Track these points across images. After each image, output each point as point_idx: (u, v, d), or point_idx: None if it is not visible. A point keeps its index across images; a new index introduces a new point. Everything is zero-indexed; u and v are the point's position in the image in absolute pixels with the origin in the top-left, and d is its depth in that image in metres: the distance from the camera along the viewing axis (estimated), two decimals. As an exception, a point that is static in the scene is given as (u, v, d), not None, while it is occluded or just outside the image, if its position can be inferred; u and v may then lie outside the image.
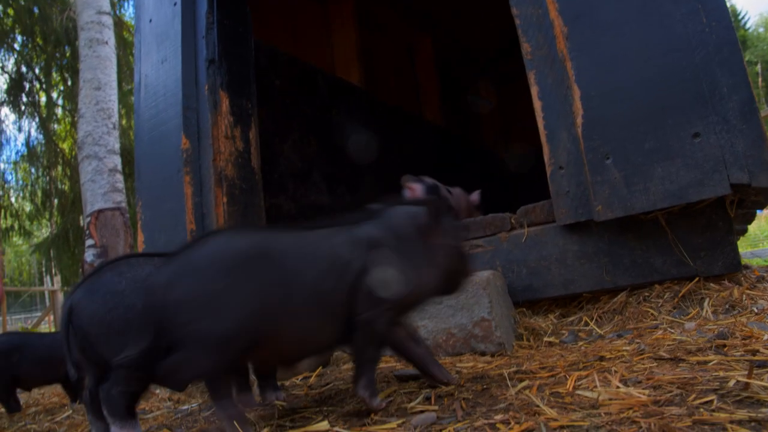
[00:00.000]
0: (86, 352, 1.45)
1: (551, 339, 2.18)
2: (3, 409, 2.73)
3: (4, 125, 11.42)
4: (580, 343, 2.04)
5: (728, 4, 2.17)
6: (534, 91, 2.48)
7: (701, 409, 1.04)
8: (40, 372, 2.67)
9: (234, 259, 1.32)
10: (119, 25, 10.36)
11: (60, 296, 12.59)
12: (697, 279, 2.22)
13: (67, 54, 10.71)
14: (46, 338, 2.82)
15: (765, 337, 1.60)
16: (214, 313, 1.26)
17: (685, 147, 2.09)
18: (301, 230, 1.48)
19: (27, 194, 12.72)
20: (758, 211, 3.30)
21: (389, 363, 2.11)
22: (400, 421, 1.25)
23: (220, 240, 1.39)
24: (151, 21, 3.61)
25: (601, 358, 1.63)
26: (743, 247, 7.67)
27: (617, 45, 2.24)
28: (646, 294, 2.30)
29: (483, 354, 2.03)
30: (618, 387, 1.24)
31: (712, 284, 2.23)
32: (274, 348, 1.38)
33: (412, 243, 1.50)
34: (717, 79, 2.06)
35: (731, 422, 0.96)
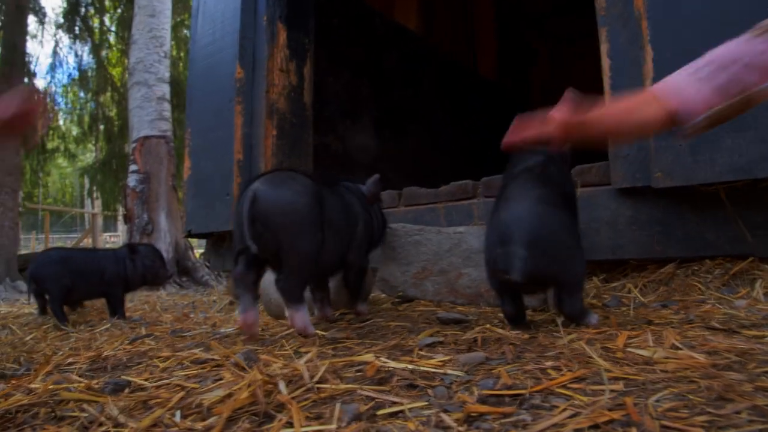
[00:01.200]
0: (262, 238, 1.66)
1: (593, 301, 2.14)
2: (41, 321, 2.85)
3: (58, 48, 11.55)
4: (624, 309, 2.00)
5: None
6: (604, 48, 2.38)
7: (763, 377, 1.01)
8: (86, 285, 2.79)
9: None
10: (176, -47, 10.27)
11: (100, 220, 12.97)
12: (751, 259, 2.15)
13: (122, -20, 10.72)
14: (90, 253, 2.96)
15: (823, 321, 1.55)
16: None
17: (760, 119, 1.99)
18: None
19: (75, 118, 13.00)
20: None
21: (429, 307, 2.11)
22: (446, 358, 1.25)
23: None
24: (213, -53, 3.57)
25: (650, 323, 1.60)
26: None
27: (700, 5, 2.12)
28: (696, 268, 2.25)
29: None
30: (674, 348, 1.21)
31: (766, 266, 2.15)
32: None
33: None
34: (805, 48, 1.94)
35: (797, 392, 0.93)
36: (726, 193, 2.16)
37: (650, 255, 2.28)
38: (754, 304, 1.90)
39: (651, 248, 2.27)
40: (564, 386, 1.01)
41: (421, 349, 1.37)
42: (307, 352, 1.46)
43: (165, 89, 6.49)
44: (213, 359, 1.52)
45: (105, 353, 1.80)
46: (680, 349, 1.22)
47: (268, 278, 2.46)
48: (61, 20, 11.05)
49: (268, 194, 1.65)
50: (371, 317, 1.97)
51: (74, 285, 2.74)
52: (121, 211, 9.30)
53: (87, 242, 13.80)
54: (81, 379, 1.44)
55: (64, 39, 11.08)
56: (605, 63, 2.36)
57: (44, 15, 10.95)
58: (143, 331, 2.32)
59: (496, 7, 7.46)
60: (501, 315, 1.85)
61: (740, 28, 2.01)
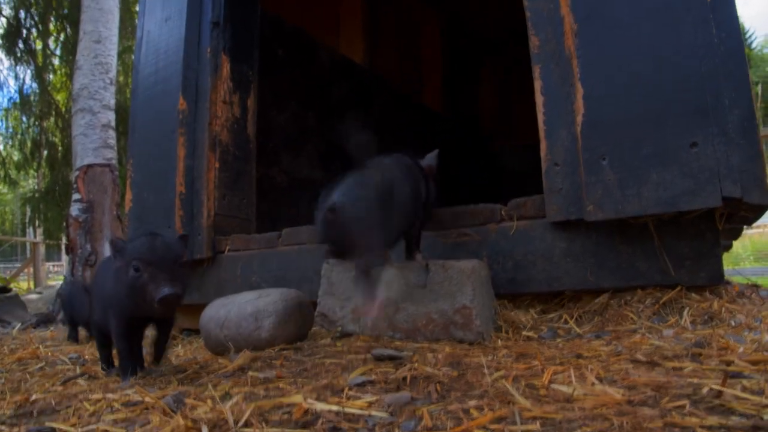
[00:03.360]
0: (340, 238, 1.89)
1: (530, 333, 2.19)
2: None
3: (-1, 70, 11.22)
4: (558, 340, 2.05)
5: (737, 20, 2.17)
6: (537, 85, 2.46)
7: (673, 412, 1.05)
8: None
9: None
10: (124, -21, 10.18)
11: (42, 248, 12.51)
12: (679, 288, 2.23)
13: (65, 4, 10.53)
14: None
15: (740, 350, 1.61)
16: None
17: (682, 155, 2.09)
18: None
19: (16, 143, 12.57)
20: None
21: (367, 342, 2.11)
22: (373, 399, 1.25)
23: None
24: (158, -23, 3.56)
25: (579, 356, 1.64)
26: (726, 264, 7.72)
27: (625, 47, 2.22)
28: (628, 298, 2.32)
29: (461, 341, 2.04)
30: (593, 384, 1.25)
31: (693, 294, 2.24)
32: None
33: None
34: (720, 91, 2.06)
35: (702, 426, 0.97)
36: (654, 225, 2.25)
37: (585, 286, 2.34)
38: (682, 332, 1.97)
39: (585, 279, 2.33)
40: (484, 427, 1.03)
41: (351, 389, 1.37)
42: (237, 393, 1.45)
43: (110, 116, 6.37)
44: (144, 401, 1.48)
45: (33, 396, 1.74)
46: (601, 384, 1.26)
47: (207, 314, 2.43)
48: (1, 41, 10.73)
49: (345, 204, 1.87)
50: (307, 356, 1.96)
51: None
52: (63, 240, 9.01)
53: (28, 272, 13.28)
54: (2, 428, 1.39)
55: (5, 61, 10.78)
56: (539, 99, 2.44)
57: (-14, 37, 10.65)
58: (77, 371, 2.25)
59: (443, 37, 7.62)
60: (436, 349, 1.86)
61: (666, 69, 2.13)
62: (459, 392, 1.28)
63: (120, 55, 9.59)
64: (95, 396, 1.64)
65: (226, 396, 1.44)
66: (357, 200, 1.93)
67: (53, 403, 1.63)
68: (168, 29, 3.36)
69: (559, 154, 2.36)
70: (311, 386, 1.44)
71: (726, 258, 2.58)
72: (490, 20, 7.69)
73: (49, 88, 11.49)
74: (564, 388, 1.24)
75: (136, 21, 3.68)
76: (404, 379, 1.43)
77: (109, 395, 1.62)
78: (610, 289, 2.35)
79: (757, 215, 2.34)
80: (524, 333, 2.19)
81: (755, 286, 2.85)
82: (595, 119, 2.25)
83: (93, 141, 6.14)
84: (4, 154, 12.69)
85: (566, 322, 2.30)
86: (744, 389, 1.18)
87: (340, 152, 4.72)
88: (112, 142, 6.32)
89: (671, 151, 2.11)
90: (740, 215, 2.30)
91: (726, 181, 2.01)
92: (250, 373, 1.70)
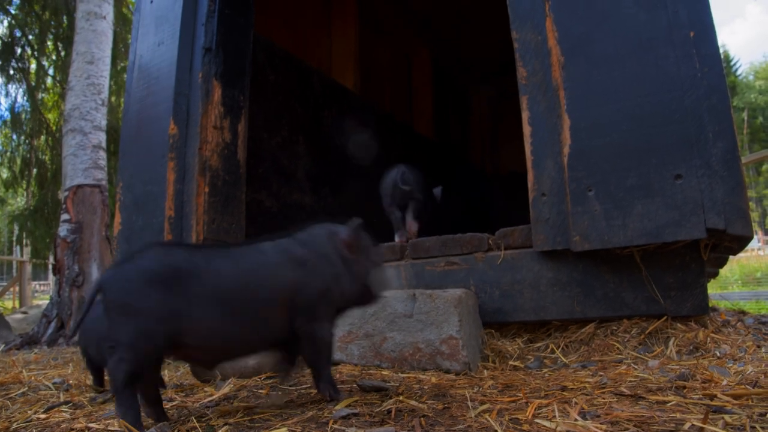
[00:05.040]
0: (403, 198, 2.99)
1: (516, 363, 2.19)
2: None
3: (-9, 88, 11.20)
4: (545, 370, 2.05)
5: (721, 51, 2.21)
6: (525, 116, 2.49)
7: (655, 450, 1.06)
8: None
9: None
10: (119, 0, 10.22)
11: (29, 267, 12.36)
12: (665, 318, 2.25)
13: (64, 24, 10.56)
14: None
15: (724, 382, 1.63)
16: None
17: (666, 187, 2.12)
18: None
19: (6, 161, 12.50)
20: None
21: (354, 371, 2.11)
22: (358, 433, 1.25)
23: None
24: (152, 2, 3.59)
25: (563, 388, 1.65)
26: (713, 288, 7.78)
27: (611, 80, 2.26)
28: (614, 327, 2.33)
29: (448, 372, 2.04)
30: (576, 420, 1.25)
31: (679, 324, 2.26)
32: None
33: None
34: (704, 124, 2.10)
35: (682, 466, 0.97)
36: (640, 255, 2.27)
37: (571, 315, 2.35)
38: (667, 363, 1.98)
39: (572, 309, 2.34)
40: (466, 465, 1.03)
41: (336, 422, 1.36)
42: (222, 426, 1.44)
43: (101, 137, 6.36)
44: (127, 432, 1.47)
45: (14, 425, 1.71)
46: (584, 419, 1.26)
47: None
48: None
49: (407, 174, 3.03)
50: (294, 385, 1.95)
51: None
52: (51, 260, 8.92)
53: (14, 291, 13.11)
54: (-19, 458, 1.37)
55: (-2, 79, 10.75)
56: (526, 130, 2.47)
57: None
58: (61, 397, 2.22)
59: (437, 65, 7.69)
60: (422, 379, 1.86)
61: (650, 101, 2.17)
62: (443, 427, 1.28)
63: (114, 75, 9.62)
64: (78, 425, 1.62)
65: (210, 429, 1.43)
66: (413, 176, 2.97)
67: (35, 432, 1.61)
68: (160, 54, 3.38)
69: (546, 184, 2.39)
70: (296, 419, 1.44)
71: (713, 282, 2.60)
72: (481, 51, 7.78)
73: (40, 106, 11.47)
74: (547, 424, 1.24)
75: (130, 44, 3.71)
76: (389, 412, 1.43)
77: (93, 425, 1.60)
78: (596, 319, 2.36)
79: (741, 246, 2.36)
80: (511, 362, 2.19)
81: (741, 313, 2.88)
82: (582, 150, 2.28)
83: (83, 161, 6.13)
84: (-7, 171, 12.63)
85: (553, 351, 2.31)
86: (726, 425, 1.19)
87: (331, 177, 4.75)
88: (103, 163, 6.30)
89: (656, 183, 2.14)
90: (725, 245, 2.32)
91: (710, 212, 2.04)
92: (236, 403, 1.69)
